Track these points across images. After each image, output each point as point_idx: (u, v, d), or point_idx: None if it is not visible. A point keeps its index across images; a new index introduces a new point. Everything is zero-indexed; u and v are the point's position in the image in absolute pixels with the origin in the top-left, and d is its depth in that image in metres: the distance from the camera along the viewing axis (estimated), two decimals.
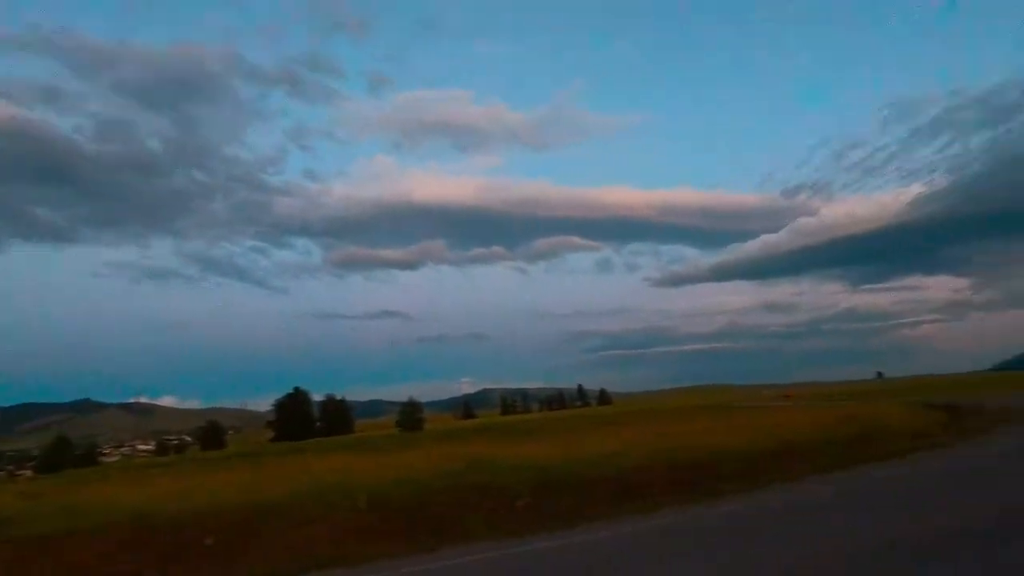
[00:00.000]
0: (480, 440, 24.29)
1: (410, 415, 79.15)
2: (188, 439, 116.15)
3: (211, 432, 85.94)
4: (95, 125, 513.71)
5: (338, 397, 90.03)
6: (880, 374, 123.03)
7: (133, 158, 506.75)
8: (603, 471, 10.81)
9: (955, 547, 5.77)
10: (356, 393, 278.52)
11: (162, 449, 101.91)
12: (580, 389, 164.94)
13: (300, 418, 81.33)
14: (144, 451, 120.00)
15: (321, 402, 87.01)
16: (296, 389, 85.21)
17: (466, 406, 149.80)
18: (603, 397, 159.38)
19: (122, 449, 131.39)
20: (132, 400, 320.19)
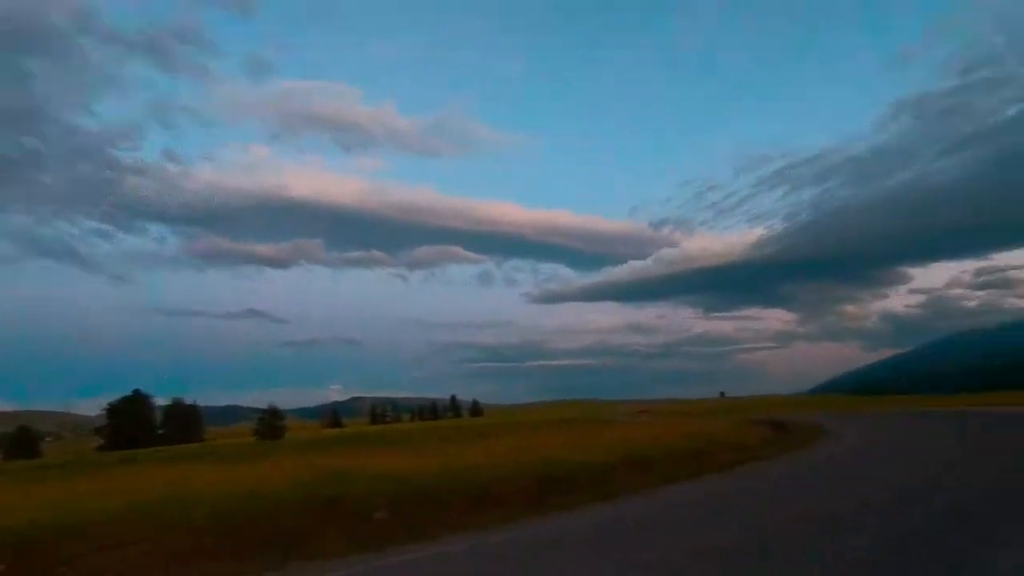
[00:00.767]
0: (343, 450, 23.27)
1: (270, 423, 73.69)
2: None
3: (21, 438, 73.53)
4: None
5: (187, 402, 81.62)
6: (723, 393, 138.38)
7: None
8: (466, 482, 10.83)
9: (771, 546, 6.55)
10: (211, 398, 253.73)
11: None
12: (453, 400, 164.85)
13: (138, 424, 72.44)
14: None
15: (166, 407, 78.26)
16: (136, 392, 75.88)
17: (334, 414, 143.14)
18: (475, 408, 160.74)
19: None
20: None
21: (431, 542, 7.89)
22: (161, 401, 78.70)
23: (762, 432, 25.02)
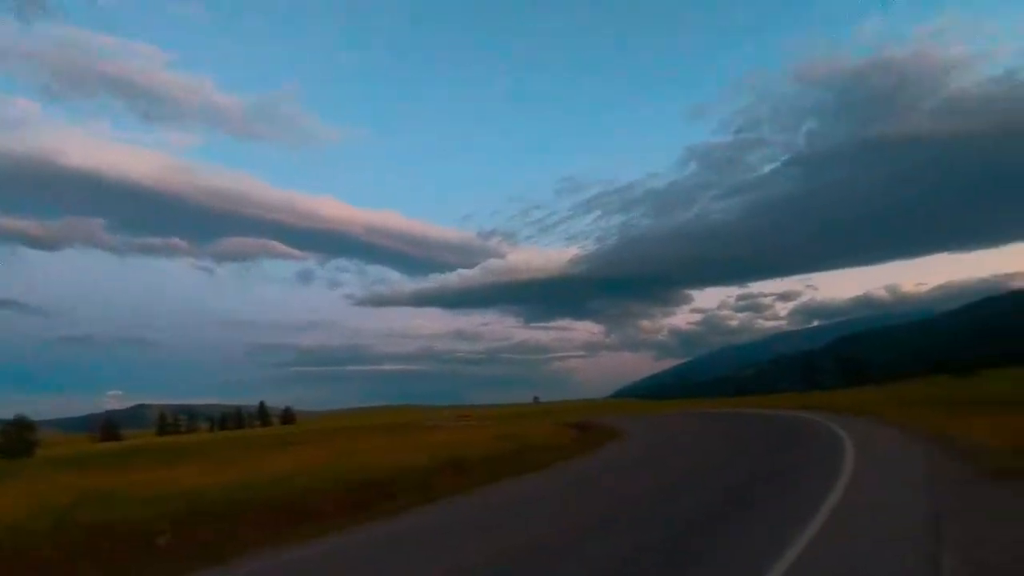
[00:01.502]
0: (117, 467, 19.74)
1: (16, 437, 60.02)
2: None
3: None
4: None
5: None
6: (537, 398, 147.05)
7: None
8: (270, 495, 9.80)
9: (579, 538, 6.95)
10: None
11: None
12: (262, 407, 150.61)
13: None
14: None
15: None
16: None
17: (109, 425, 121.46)
18: (287, 416, 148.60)
19: None
20: None
21: (222, 565, 6.94)
22: None
23: (571, 433, 26.98)
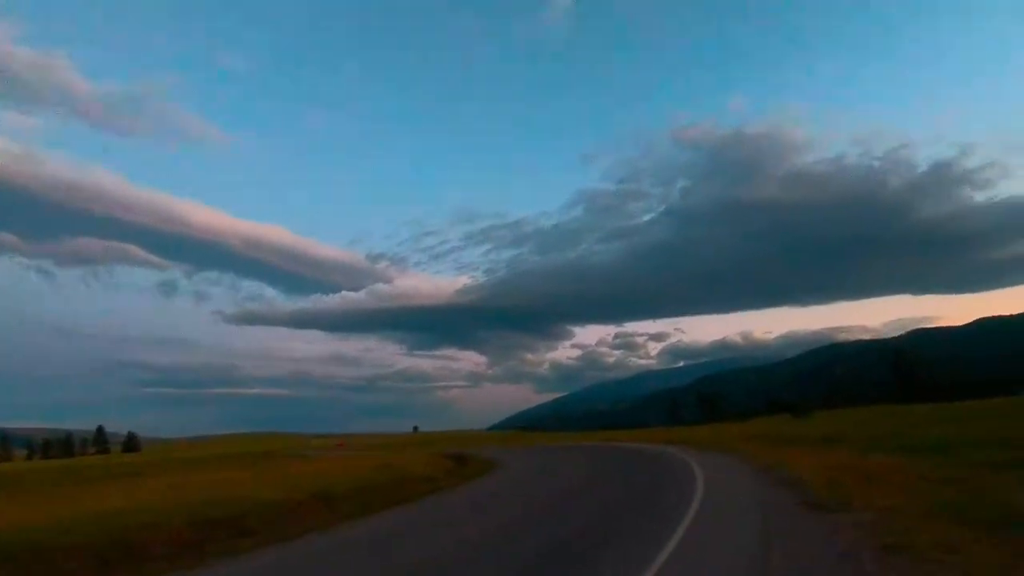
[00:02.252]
0: None
1: None
2: None
3: None
4: None
5: None
6: (416, 428, 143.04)
7: None
8: (89, 536, 8.54)
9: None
10: None
11: None
12: (100, 432, 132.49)
13: None
14: None
15: None
16: None
17: None
18: (130, 442, 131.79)
19: None
20: None
21: None
22: None
23: (448, 464, 26.59)
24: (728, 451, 23.38)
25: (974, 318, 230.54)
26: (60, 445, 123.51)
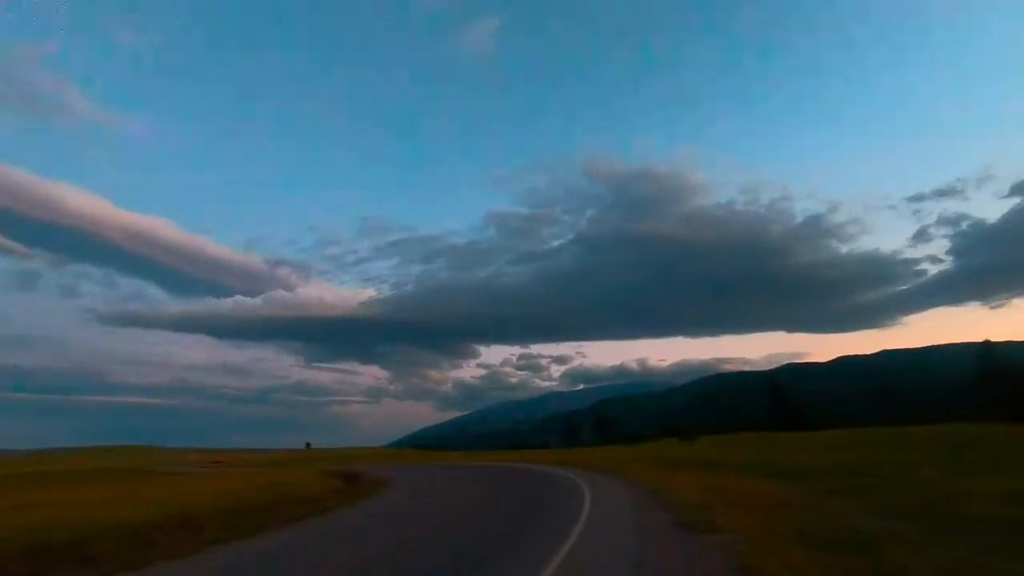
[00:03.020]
0: None
1: None
2: None
3: None
4: None
5: None
6: (309, 444, 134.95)
7: None
8: None
9: None
10: None
11: None
12: None
13: None
14: None
15: None
16: None
17: None
18: None
19: None
20: None
21: None
22: None
23: (337, 484, 25.45)
24: (618, 473, 24.27)
25: (836, 356, 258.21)
26: None
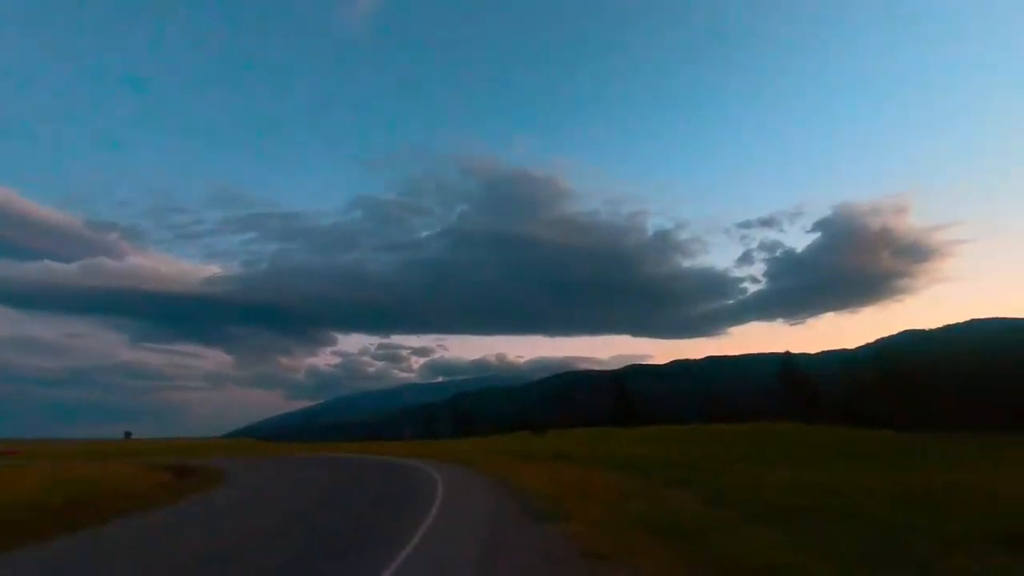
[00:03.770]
0: None
1: None
2: None
3: None
4: None
5: None
6: (129, 434, 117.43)
7: None
8: None
9: None
10: None
11: None
12: None
13: None
14: None
15: None
16: None
17: None
18: None
19: None
20: None
21: None
22: None
23: (164, 478, 22.73)
24: (472, 465, 24.54)
25: (672, 359, 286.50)
26: None
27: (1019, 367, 29.41)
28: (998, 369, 30.51)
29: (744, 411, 74.21)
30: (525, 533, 9.22)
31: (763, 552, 7.02)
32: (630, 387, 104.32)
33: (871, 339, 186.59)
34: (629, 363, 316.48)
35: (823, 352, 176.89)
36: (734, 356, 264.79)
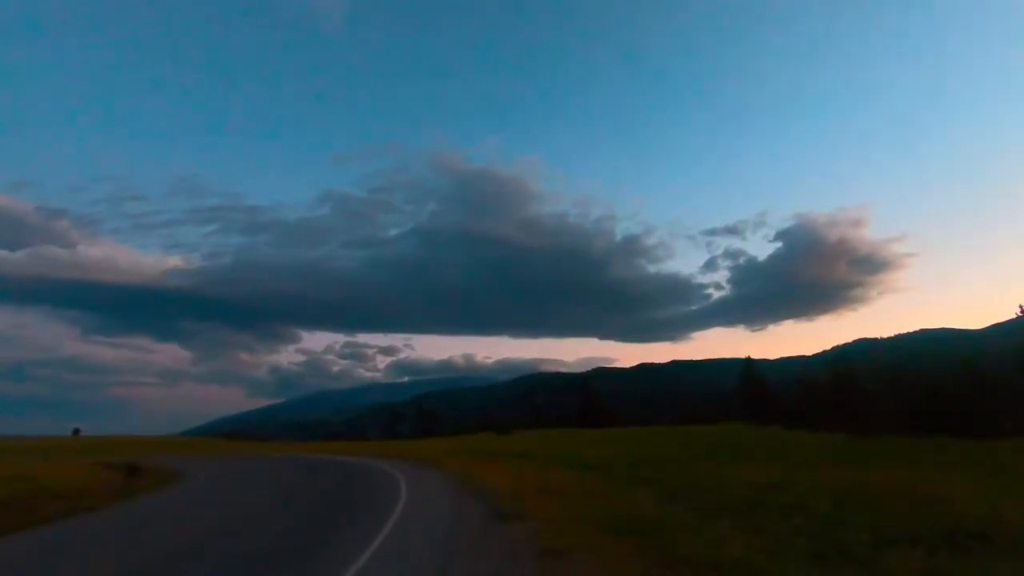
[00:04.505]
0: None
1: None
2: None
3: None
4: None
5: None
6: (77, 431, 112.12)
7: None
8: None
9: None
10: None
11: None
12: None
13: None
14: None
15: None
16: None
17: None
18: None
19: None
20: None
21: None
22: None
23: (112, 476, 21.92)
24: (435, 464, 24.43)
25: (638, 362, 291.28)
26: None
27: (964, 376, 30.90)
28: (945, 377, 31.94)
29: (706, 414, 75.90)
30: (488, 531, 9.26)
31: (714, 545, 7.22)
32: (596, 389, 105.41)
33: (827, 346, 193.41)
34: (595, 366, 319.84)
35: (782, 358, 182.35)
36: (697, 360, 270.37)
